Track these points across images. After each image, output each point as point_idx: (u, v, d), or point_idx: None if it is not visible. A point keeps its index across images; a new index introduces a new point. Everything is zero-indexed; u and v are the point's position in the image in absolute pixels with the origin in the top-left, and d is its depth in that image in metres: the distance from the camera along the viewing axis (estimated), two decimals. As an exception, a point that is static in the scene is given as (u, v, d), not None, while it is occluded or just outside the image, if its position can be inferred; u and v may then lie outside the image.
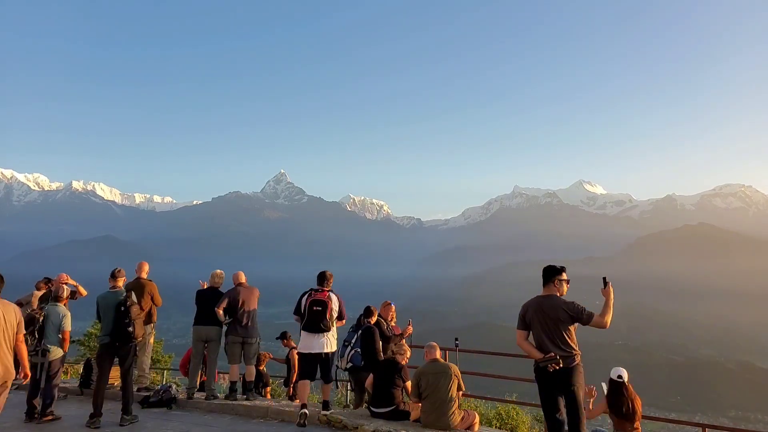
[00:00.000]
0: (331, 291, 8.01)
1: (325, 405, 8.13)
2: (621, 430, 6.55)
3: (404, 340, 9.12)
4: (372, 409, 7.76)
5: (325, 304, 7.72)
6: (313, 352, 7.76)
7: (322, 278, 8.07)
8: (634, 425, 6.52)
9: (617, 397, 6.61)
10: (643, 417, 10.10)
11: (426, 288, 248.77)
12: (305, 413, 7.70)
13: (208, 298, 9.16)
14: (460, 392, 7.30)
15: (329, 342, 7.86)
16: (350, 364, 8.43)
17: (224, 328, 9.14)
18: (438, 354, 7.51)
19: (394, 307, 9.42)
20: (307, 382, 7.97)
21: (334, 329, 7.98)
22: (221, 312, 8.86)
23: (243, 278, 9.27)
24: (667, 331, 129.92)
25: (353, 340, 8.52)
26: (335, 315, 7.87)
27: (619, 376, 6.69)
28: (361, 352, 8.44)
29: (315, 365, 7.88)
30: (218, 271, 9.54)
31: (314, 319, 7.67)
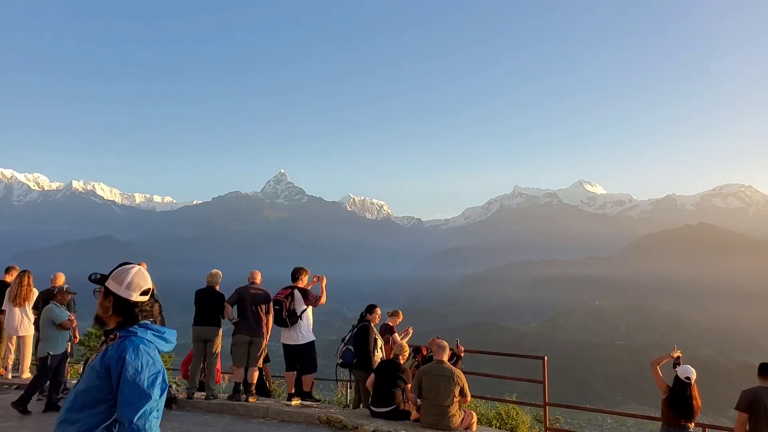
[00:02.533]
0: (296, 288, 8.75)
1: (304, 396, 8.78)
2: (674, 426, 6.55)
3: (405, 341, 9.13)
4: (372, 408, 7.77)
5: (281, 303, 8.60)
6: (283, 342, 8.74)
7: (292, 274, 8.95)
8: (689, 424, 6.53)
9: (681, 396, 6.61)
10: (643, 417, 10.14)
11: (426, 288, 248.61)
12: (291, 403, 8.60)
13: (205, 298, 9.16)
14: (465, 399, 7.26)
15: (300, 334, 8.68)
16: (341, 360, 8.59)
17: (223, 328, 9.17)
18: (445, 356, 7.46)
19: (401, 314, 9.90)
20: (293, 373, 8.81)
21: (306, 322, 8.77)
22: (230, 309, 8.91)
23: (258, 278, 9.34)
24: (667, 331, 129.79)
25: (347, 338, 8.65)
26: (299, 309, 8.63)
27: (687, 378, 6.66)
28: (354, 350, 8.52)
29: (292, 356, 8.74)
30: (214, 270, 9.48)
31: (276, 316, 8.68)
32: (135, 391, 2.55)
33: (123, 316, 2.75)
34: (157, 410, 2.61)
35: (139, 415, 2.52)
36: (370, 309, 8.91)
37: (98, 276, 2.80)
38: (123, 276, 2.78)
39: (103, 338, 2.82)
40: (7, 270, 10.83)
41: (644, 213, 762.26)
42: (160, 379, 2.64)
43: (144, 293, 2.80)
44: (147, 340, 2.70)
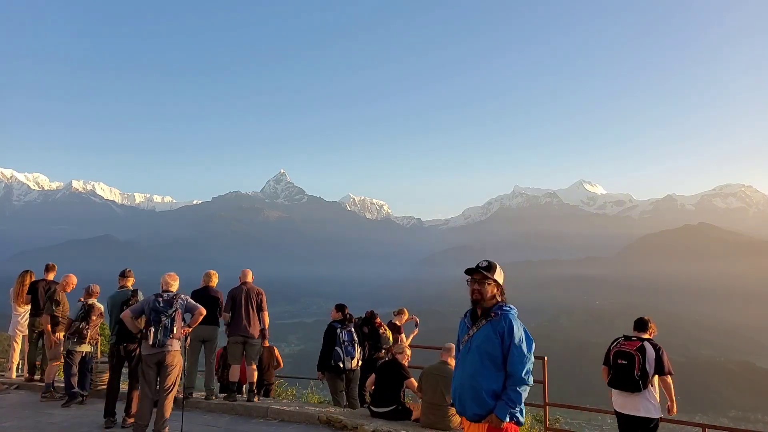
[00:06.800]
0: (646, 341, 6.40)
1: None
2: None
3: (404, 341, 9.13)
4: (372, 409, 7.76)
5: (631, 358, 6.48)
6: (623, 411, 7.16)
7: (637, 324, 7.08)
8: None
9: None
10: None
11: (426, 288, 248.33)
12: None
13: (201, 298, 9.10)
14: None
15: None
16: (361, 363, 8.64)
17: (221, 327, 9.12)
18: (449, 357, 7.41)
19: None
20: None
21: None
22: (227, 315, 8.84)
23: (249, 277, 9.21)
24: (667, 331, 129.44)
25: (362, 339, 8.79)
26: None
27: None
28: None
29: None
30: (209, 270, 9.44)
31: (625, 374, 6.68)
32: (520, 353, 3.75)
33: (501, 298, 3.99)
34: (530, 370, 3.79)
35: (524, 370, 3.73)
36: (374, 315, 9.13)
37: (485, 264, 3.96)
38: (501, 269, 4.02)
39: (477, 314, 3.97)
40: (47, 269, 10.47)
41: (644, 213, 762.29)
42: (533, 346, 3.84)
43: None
44: (516, 315, 3.91)
